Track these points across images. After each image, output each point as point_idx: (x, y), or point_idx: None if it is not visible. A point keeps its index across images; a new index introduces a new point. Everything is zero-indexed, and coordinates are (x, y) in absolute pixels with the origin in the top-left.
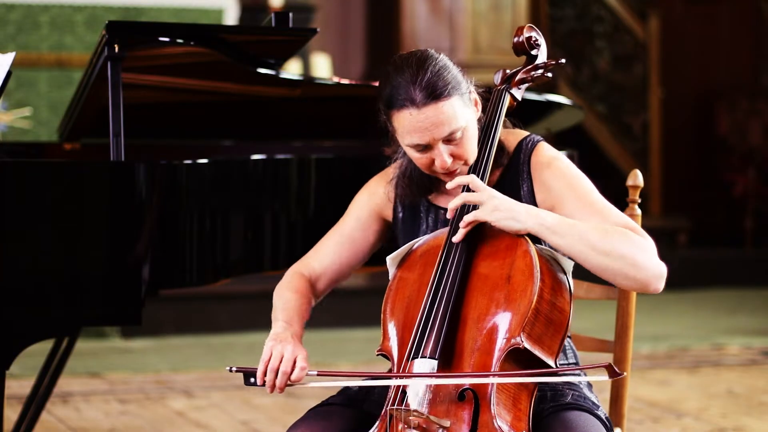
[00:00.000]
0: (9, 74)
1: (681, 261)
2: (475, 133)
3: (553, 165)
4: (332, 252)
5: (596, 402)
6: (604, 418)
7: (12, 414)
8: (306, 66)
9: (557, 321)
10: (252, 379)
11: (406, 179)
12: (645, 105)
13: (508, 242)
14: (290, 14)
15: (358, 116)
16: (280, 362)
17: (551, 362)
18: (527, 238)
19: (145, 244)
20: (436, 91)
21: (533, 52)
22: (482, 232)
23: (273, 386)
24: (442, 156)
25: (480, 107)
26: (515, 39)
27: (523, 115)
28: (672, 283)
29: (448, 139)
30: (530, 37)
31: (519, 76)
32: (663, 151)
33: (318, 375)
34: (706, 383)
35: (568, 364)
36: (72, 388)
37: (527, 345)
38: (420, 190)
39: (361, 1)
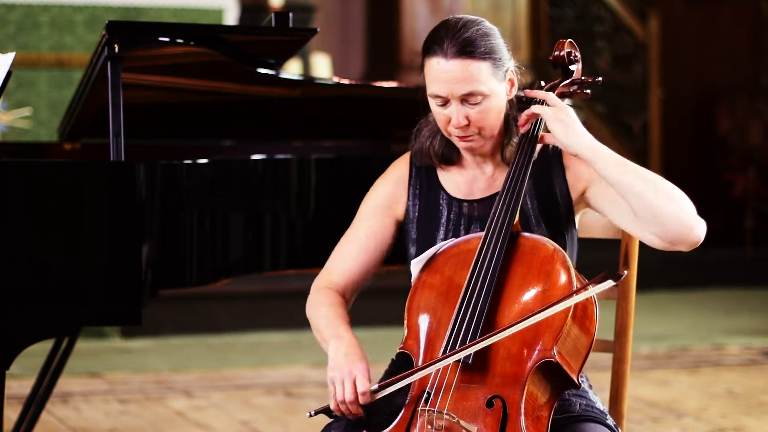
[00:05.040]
0: (9, 74)
1: (681, 261)
2: (500, 108)
3: None
4: (350, 262)
5: (603, 410)
6: (613, 426)
7: (12, 414)
8: (306, 66)
9: (584, 340)
10: (332, 415)
11: (428, 144)
12: (645, 105)
13: (544, 254)
14: (290, 14)
15: (358, 116)
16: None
17: (575, 379)
18: (564, 252)
19: (145, 245)
20: (467, 49)
21: (572, 67)
22: (519, 241)
23: (352, 415)
24: (457, 114)
25: (515, 89)
26: (556, 53)
27: None
28: (672, 283)
29: (466, 100)
30: (570, 52)
31: (559, 90)
32: (663, 151)
33: (379, 387)
34: (706, 383)
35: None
36: (72, 388)
37: (559, 359)
38: (440, 158)
39: (361, 1)
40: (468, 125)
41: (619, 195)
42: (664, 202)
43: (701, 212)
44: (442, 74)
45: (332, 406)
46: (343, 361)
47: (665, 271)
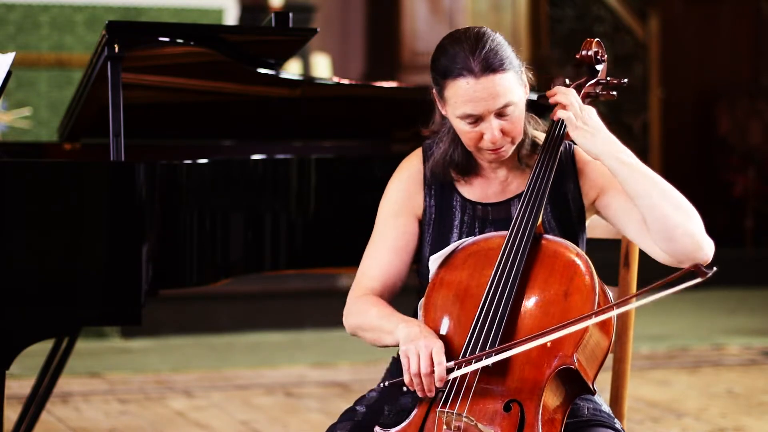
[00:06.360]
0: (9, 74)
1: None
2: (524, 112)
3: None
4: (384, 265)
5: (610, 413)
6: (620, 430)
7: (12, 414)
8: (306, 66)
9: (601, 347)
10: (405, 389)
11: (446, 160)
12: (645, 105)
13: (567, 258)
14: (290, 14)
15: (358, 116)
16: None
17: (590, 385)
18: (586, 256)
19: (145, 245)
20: (494, 64)
21: (598, 67)
22: (541, 243)
23: (424, 391)
24: (493, 130)
25: (528, 89)
26: (584, 52)
27: None
28: (672, 283)
29: (500, 113)
30: (597, 52)
31: (585, 90)
32: (663, 151)
33: (455, 365)
34: (706, 383)
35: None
36: (72, 388)
37: (578, 366)
38: (459, 170)
39: (361, 1)
40: (502, 137)
41: (635, 205)
42: (682, 219)
43: (701, 212)
44: (475, 93)
45: (406, 380)
46: (419, 335)
47: (665, 271)
